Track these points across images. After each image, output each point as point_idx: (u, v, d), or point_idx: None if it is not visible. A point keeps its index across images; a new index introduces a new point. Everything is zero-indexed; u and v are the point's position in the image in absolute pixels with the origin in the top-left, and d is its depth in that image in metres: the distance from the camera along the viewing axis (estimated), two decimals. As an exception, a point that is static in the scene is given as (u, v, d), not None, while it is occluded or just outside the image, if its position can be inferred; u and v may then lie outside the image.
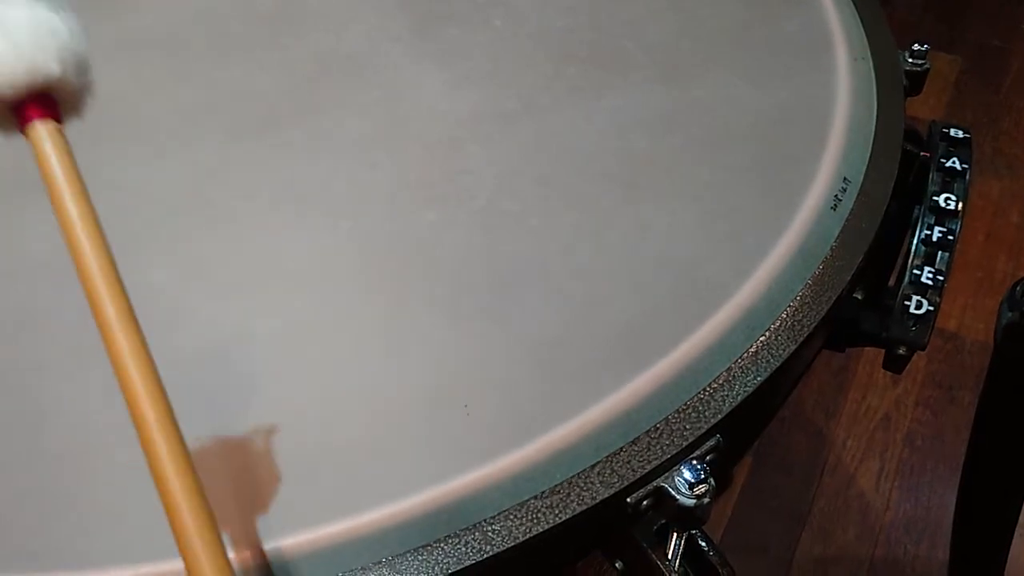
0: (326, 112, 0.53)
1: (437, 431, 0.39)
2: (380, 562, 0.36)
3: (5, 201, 0.49)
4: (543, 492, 0.38)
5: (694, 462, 0.39)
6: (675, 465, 0.39)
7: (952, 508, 0.76)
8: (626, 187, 0.49)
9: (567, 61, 0.56)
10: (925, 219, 0.51)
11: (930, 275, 0.50)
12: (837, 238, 0.48)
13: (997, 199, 1.33)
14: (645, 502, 0.39)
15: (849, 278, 0.47)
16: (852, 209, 0.49)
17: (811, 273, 0.46)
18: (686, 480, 0.39)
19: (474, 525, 0.37)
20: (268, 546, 0.36)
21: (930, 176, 0.53)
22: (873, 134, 0.53)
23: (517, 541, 0.37)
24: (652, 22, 0.59)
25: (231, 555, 0.36)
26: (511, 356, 0.42)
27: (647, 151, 0.51)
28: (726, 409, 0.41)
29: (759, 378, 0.42)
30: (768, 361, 0.43)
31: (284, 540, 0.36)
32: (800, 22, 0.59)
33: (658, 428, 0.40)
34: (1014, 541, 0.72)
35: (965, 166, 0.53)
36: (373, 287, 0.45)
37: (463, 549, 0.37)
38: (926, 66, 0.59)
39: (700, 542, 0.42)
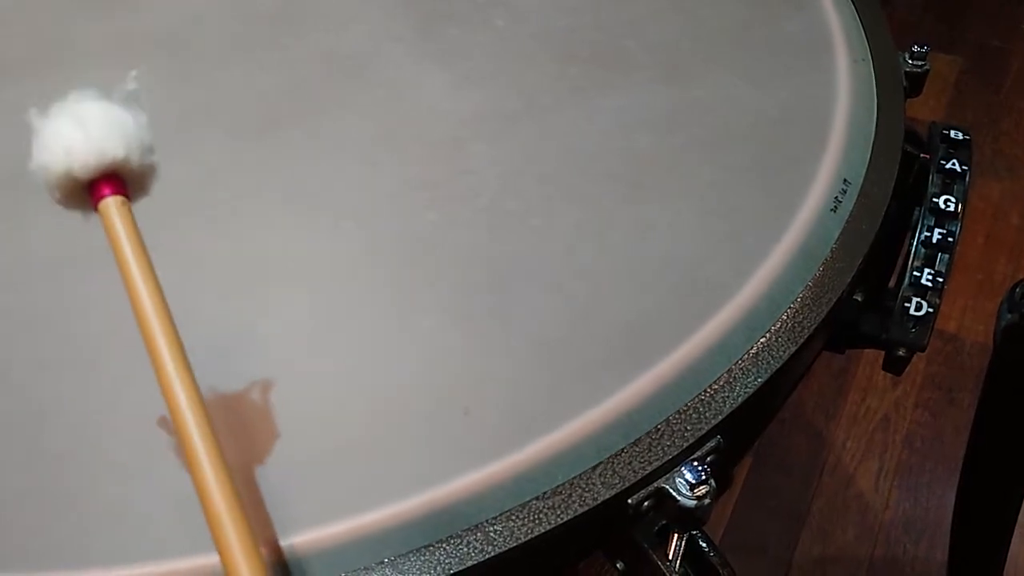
0: (328, 112, 0.53)
1: (439, 431, 0.39)
2: (382, 562, 0.36)
3: (9, 202, 0.49)
4: (545, 493, 0.38)
5: (695, 463, 0.39)
6: (676, 466, 0.40)
7: (951, 508, 0.76)
8: (628, 187, 0.49)
9: (569, 61, 0.56)
10: (925, 221, 0.51)
11: (930, 277, 0.50)
12: (837, 239, 0.48)
13: (997, 201, 1.33)
14: (646, 503, 0.39)
15: (849, 280, 0.47)
16: (852, 211, 0.49)
17: (811, 274, 0.46)
18: (687, 481, 0.39)
19: (476, 525, 0.37)
20: (270, 546, 0.36)
21: (930, 178, 0.53)
22: (873, 135, 0.53)
23: (519, 542, 0.37)
24: (654, 22, 0.59)
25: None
26: (513, 356, 0.42)
27: (649, 151, 0.51)
28: (727, 410, 0.41)
29: (760, 379, 0.42)
30: (768, 362, 0.43)
31: (286, 540, 0.36)
32: (800, 23, 0.59)
33: (659, 429, 0.40)
34: (1013, 541, 0.72)
35: (965, 168, 0.53)
36: (375, 287, 0.45)
37: (465, 549, 0.37)
38: (926, 67, 0.59)
39: (701, 543, 0.42)
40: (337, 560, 0.36)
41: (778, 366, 0.43)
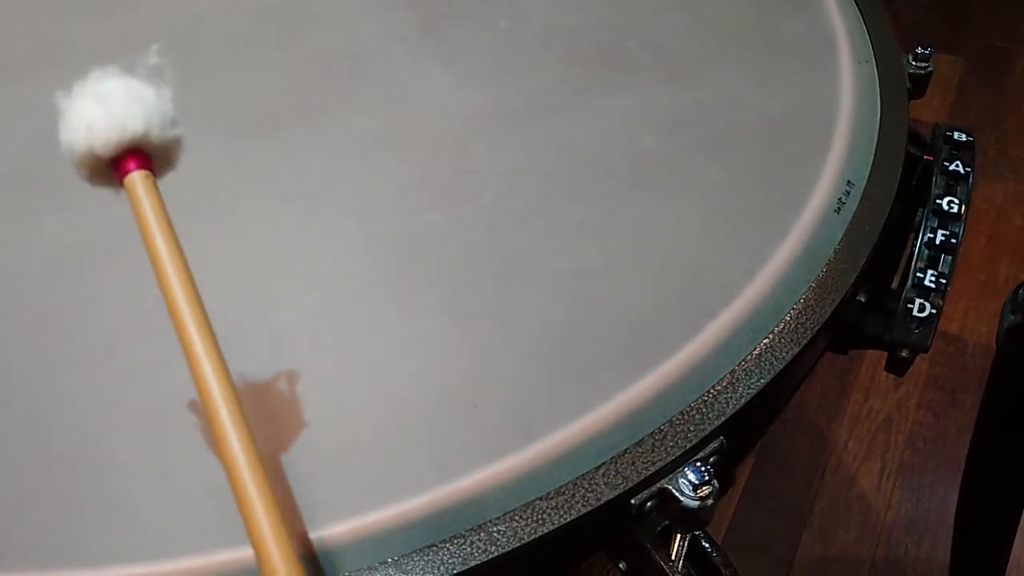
0: (330, 112, 0.53)
1: (442, 431, 0.39)
2: (385, 562, 0.37)
3: (16, 202, 0.49)
4: (548, 493, 0.38)
5: (698, 464, 0.40)
6: (679, 467, 0.40)
7: (953, 509, 0.76)
8: (631, 187, 0.49)
9: (573, 61, 0.56)
10: (928, 222, 0.51)
11: (933, 278, 0.50)
12: (841, 240, 0.48)
13: (1000, 202, 1.33)
14: (649, 503, 0.39)
15: (853, 281, 0.47)
16: (856, 212, 0.49)
17: (815, 275, 0.46)
18: (690, 482, 0.39)
19: (479, 526, 0.37)
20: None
21: (933, 179, 0.53)
22: (877, 137, 0.53)
23: (522, 542, 0.37)
24: (658, 23, 0.59)
25: (231, 556, 0.36)
26: (515, 356, 0.42)
27: (652, 151, 0.51)
28: (730, 411, 0.41)
29: (763, 380, 0.43)
30: (772, 363, 0.43)
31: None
32: (804, 24, 0.59)
33: (662, 430, 0.40)
34: (1015, 542, 0.72)
35: (968, 169, 0.53)
36: (378, 287, 0.45)
37: (468, 550, 0.37)
38: (930, 69, 0.59)
39: (703, 543, 0.42)
40: (341, 560, 0.36)
41: (781, 367, 0.43)
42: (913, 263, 0.50)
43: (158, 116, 0.36)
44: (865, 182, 0.51)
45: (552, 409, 0.40)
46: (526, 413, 0.40)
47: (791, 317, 0.45)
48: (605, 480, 0.39)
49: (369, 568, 0.36)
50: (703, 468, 0.39)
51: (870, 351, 0.52)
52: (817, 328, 0.45)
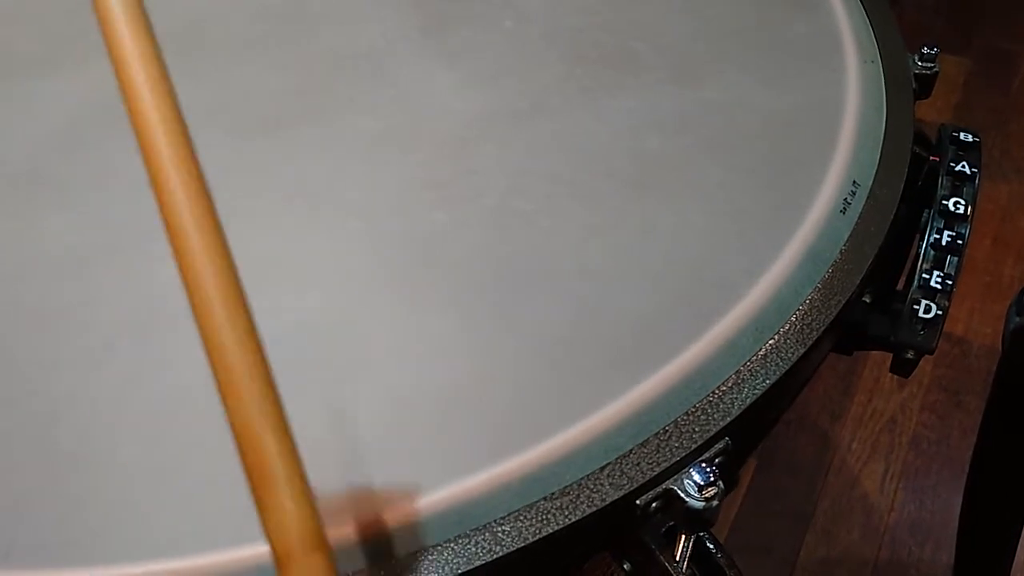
0: (336, 111, 0.53)
1: (446, 431, 0.39)
2: (390, 562, 0.37)
3: (21, 200, 0.49)
4: (552, 493, 0.38)
5: (703, 464, 0.39)
6: (684, 467, 0.40)
7: (957, 511, 0.76)
8: (636, 187, 0.49)
9: (577, 62, 0.56)
10: (934, 223, 0.51)
11: (939, 279, 0.50)
12: (846, 241, 0.48)
13: (1005, 203, 1.33)
14: (654, 504, 0.39)
15: (858, 281, 0.47)
16: (861, 212, 0.49)
17: (820, 276, 0.46)
18: (695, 483, 0.39)
19: (484, 526, 0.37)
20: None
21: (940, 180, 0.53)
22: (883, 137, 0.53)
23: (527, 542, 0.37)
24: (663, 23, 0.59)
25: (234, 555, 0.36)
26: (520, 356, 0.42)
27: (658, 151, 0.51)
28: (735, 412, 0.41)
29: (768, 381, 0.42)
30: (777, 364, 0.43)
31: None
32: (810, 24, 0.59)
33: (667, 430, 0.40)
34: (1020, 545, 0.72)
35: (975, 170, 0.53)
36: (383, 287, 0.45)
37: (473, 550, 0.37)
38: (935, 69, 0.59)
39: (708, 544, 0.42)
40: (344, 559, 0.36)
41: (787, 368, 0.43)
42: (919, 264, 0.50)
43: None
44: (871, 182, 0.51)
45: (557, 409, 0.40)
46: (531, 413, 0.40)
47: (796, 318, 0.45)
48: (610, 481, 0.39)
49: (374, 567, 0.36)
50: (708, 469, 0.39)
51: (874, 352, 0.52)
52: (822, 329, 0.45)
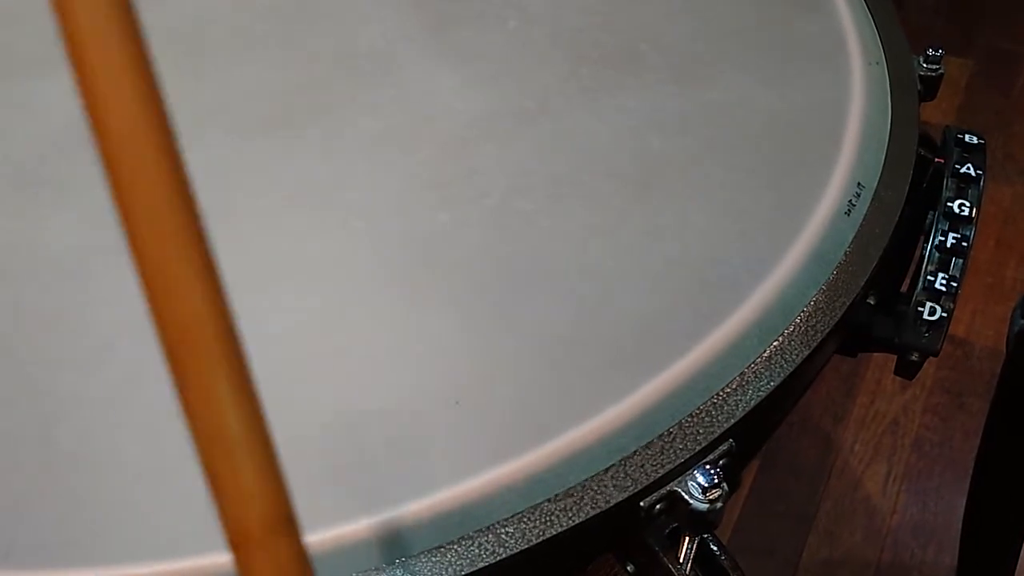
0: (338, 110, 0.53)
1: (450, 432, 0.39)
2: (393, 563, 0.36)
3: (22, 200, 0.49)
4: (556, 495, 0.38)
5: (707, 466, 0.39)
6: (688, 469, 0.39)
7: (959, 514, 0.76)
8: (639, 188, 0.49)
9: (581, 62, 0.56)
10: (939, 225, 0.51)
11: (944, 281, 0.49)
12: (851, 243, 0.48)
13: (1008, 205, 1.33)
14: (658, 506, 0.39)
15: (863, 283, 0.47)
16: (866, 214, 0.49)
17: (825, 278, 0.46)
18: (699, 484, 0.39)
19: (487, 527, 0.37)
20: (280, 546, 0.36)
21: (944, 182, 0.53)
22: (887, 139, 0.53)
23: (530, 544, 0.37)
24: (667, 24, 0.58)
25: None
26: (524, 357, 0.42)
27: (661, 152, 0.51)
28: (739, 414, 0.41)
29: (772, 383, 0.42)
30: (781, 366, 0.43)
31: (297, 540, 0.36)
32: (814, 26, 0.58)
33: (671, 432, 0.40)
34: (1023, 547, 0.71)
35: (980, 172, 0.53)
36: (385, 287, 0.45)
37: (476, 551, 0.37)
38: (940, 71, 0.59)
39: (712, 545, 0.42)
40: (348, 560, 0.36)
41: (791, 370, 0.43)
42: (924, 266, 0.50)
43: None
44: (876, 184, 0.50)
45: (561, 410, 0.40)
46: (534, 414, 0.40)
47: (801, 320, 0.44)
48: (614, 482, 0.39)
49: (376, 569, 0.36)
50: (712, 471, 0.39)
51: (877, 354, 0.52)
52: (827, 331, 0.44)
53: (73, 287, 0.45)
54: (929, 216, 0.52)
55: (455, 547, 0.37)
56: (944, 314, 0.49)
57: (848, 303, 0.46)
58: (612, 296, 0.44)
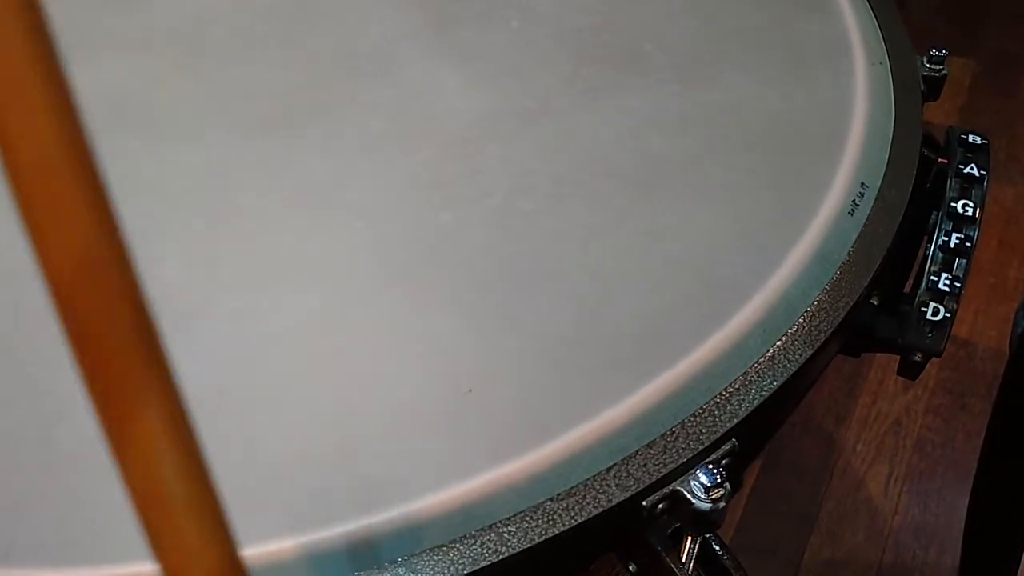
0: (340, 110, 0.53)
1: (452, 432, 0.39)
2: (396, 562, 0.36)
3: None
4: (559, 494, 0.38)
5: (710, 466, 0.39)
6: (691, 469, 0.39)
7: (961, 514, 0.76)
8: (642, 188, 0.49)
9: (584, 62, 0.56)
10: (943, 225, 0.51)
11: (947, 281, 0.49)
12: (854, 243, 0.48)
13: (1011, 205, 1.33)
14: (660, 505, 0.39)
15: (866, 283, 0.46)
16: (870, 214, 0.49)
17: (828, 278, 0.46)
18: (702, 484, 0.39)
19: (490, 526, 0.37)
20: (283, 544, 0.36)
21: (948, 182, 0.52)
22: (891, 139, 0.53)
23: (533, 543, 0.37)
24: (670, 24, 0.58)
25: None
26: (526, 356, 0.42)
27: (663, 152, 0.51)
28: (742, 414, 0.41)
29: (775, 383, 0.42)
30: (784, 366, 0.43)
31: (299, 539, 0.36)
32: (818, 26, 0.58)
33: (674, 431, 0.40)
34: (1025, 549, 0.71)
35: (983, 172, 0.53)
36: (387, 286, 0.45)
37: (478, 550, 0.37)
38: (944, 71, 0.59)
39: (714, 546, 0.42)
40: (350, 559, 0.36)
41: (794, 370, 0.43)
42: (927, 266, 0.50)
43: None
44: (879, 184, 0.50)
45: (563, 410, 0.39)
46: (537, 414, 0.39)
47: (804, 320, 0.44)
48: (616, 482, 0.39)
49: (379, 568, 0.36)
50: (715, 471, 0.39)
51: (879, 354, 0.52)
52: (830, 331, 0.44)
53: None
54: (932, 216, 0.52)
55: (457, 546, 0.37)
56: (947, 314, 0.49)
57: (851, 303, 0.45)
58: (614, 296, 0.44)
